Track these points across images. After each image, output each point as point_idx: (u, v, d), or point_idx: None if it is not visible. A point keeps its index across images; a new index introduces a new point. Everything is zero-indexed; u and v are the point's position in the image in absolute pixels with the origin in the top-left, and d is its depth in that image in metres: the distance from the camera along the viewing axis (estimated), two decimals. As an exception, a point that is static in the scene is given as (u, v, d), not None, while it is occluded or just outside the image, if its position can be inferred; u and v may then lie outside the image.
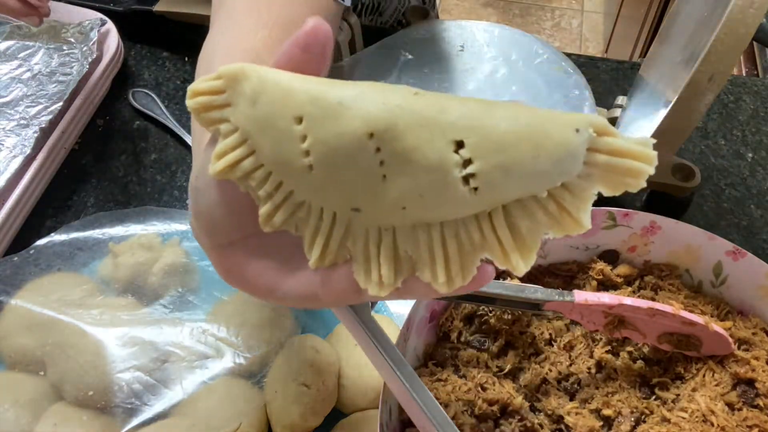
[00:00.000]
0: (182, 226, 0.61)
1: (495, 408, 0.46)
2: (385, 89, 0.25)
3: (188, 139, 0.72)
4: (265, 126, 0.25)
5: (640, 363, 0.49)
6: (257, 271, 0.29)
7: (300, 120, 0.25)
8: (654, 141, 0.23)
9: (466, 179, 0.24)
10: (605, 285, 0.52)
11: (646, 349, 0.49)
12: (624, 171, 0.24)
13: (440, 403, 0.40)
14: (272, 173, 0.26)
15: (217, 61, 0.37)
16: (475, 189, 0.24)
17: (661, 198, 0.64)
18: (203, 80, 0.27)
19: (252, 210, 0.28)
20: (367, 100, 0.24)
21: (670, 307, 0.46)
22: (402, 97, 0.24)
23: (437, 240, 0.25)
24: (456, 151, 0.23)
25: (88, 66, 0.71)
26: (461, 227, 0.25)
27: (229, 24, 0.38)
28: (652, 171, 0.23)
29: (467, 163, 0.23)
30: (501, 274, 0.52)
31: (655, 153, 0.23)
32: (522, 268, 0.25)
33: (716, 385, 0.47)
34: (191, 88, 0.27)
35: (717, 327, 0.46)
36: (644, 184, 0.24)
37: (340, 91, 0.24)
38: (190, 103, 0.27)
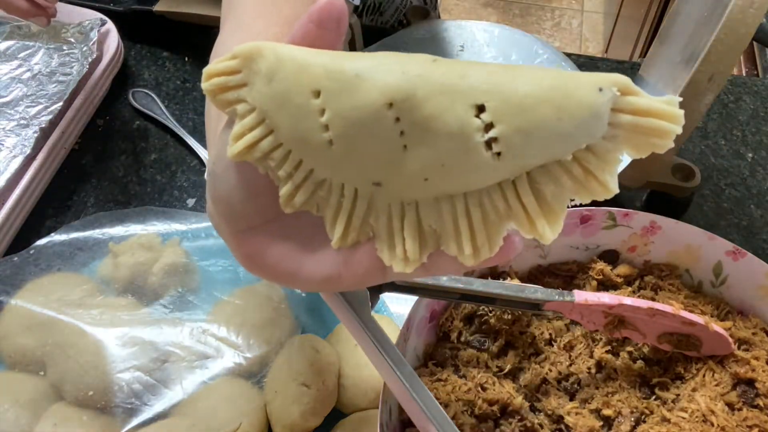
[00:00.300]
0: (182, 226, 0.61)
1: (495, 408, 0.46)
2: (402, 59, 0.24)
3: (188, 139, 0.72)
4: (282, 103, 0.25)
5: (640, 363, 0.49)
6: (278, 256, 0.29)
7: (317, 94, 0.24)
8: (680, 99, 0.23)
9: (488, 144, 0.23)
10: (605, 285, 0.52)
11: (646, 349, 0.49)
12: (650, 131, 0.23)
13: (440, 403, 0.40)
14: (291, 152, 0.26)
15: None
16: (498, 154, 0.23)
17: (661, 198, 0.64)
18: (218, 61, 0.26)
19: (271, 192, 0.27)
20: (385, 71, 0.24)
21: (670, 307, 0.46)
22: (420, 66, 0.24)
23: (461, 211, 0.25)
24: (477, 116, 0.23)
25: (88, 66, 0.71)
26: (485, 196, 0.25)
27: (240, 26, 0.38)
28: (679, 130, 0.23)
29: (489, 127, 0.23)
30: (501, 274, 0.52)
31: (682, 111, 0.23)
32: (549, 234, 0.24)
33: (716, 385, 0.47)
34: (206, 70, 0.26)
35: (717, 327, 0.46)
36: (671, 144, 0.23)
37: (356, 63, 0.24)
38: (205, 85, 0.26)
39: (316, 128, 0.25)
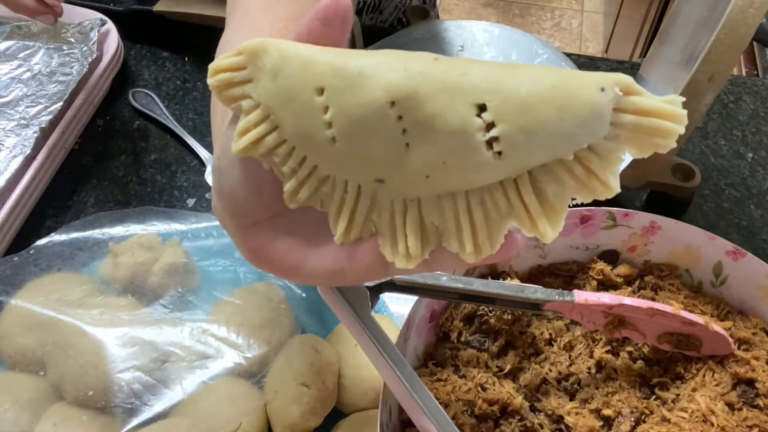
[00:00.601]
0: (182, 226, 0.61)
1: (495, 408, 0.46)
2: (405, 57, 0.24)
3: (188, 139, 0.72)
4: (286, 99, 0.25)
5: (640, 363, 0.48)
6: (283, 251, 0.29)
7: (321, 91, 0.25)
8: (683, 99, 0.23)
9: (489, 143, 0.23)
10: (605, 285, 0.52)
11: (646, 349, 0.49)
12: (652, 131, 0.23)
13: (440, 403, 0.40)
14: (296, 148, 0.26)
15: None
16: (499, 153, 0.23)
17: (661, 198, 0.64)
18: (224, 57, 0.27)
19: (276, 188, 0.28)
20: (388, 69, 0.24)
21: (670, 307, 0.46)
22: (422, 64, 0.24)
23: (463, 208, 0.25)
24: (478, 115, 0.23)
25: (88, 66, 0.71)
26: (487, 194, 0.25)
27: (245, 22, 0.39)
28: (682, 130, 0.23)
29: (490, 126, 0.23)
30: (501, 274, 0.52)
31: (685, 111, 0.23)
32: (550, 234, 0.24)
33: (716, 385, 0.47)
34: (212, 66, 0.27)
35: (717, 327, 0.46)
36: (674, 144, 0.23)
37: (360, 61, 0.24)
38: (211, 81, 0.26)
39: (319, 125, 0.25)
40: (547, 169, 0.24)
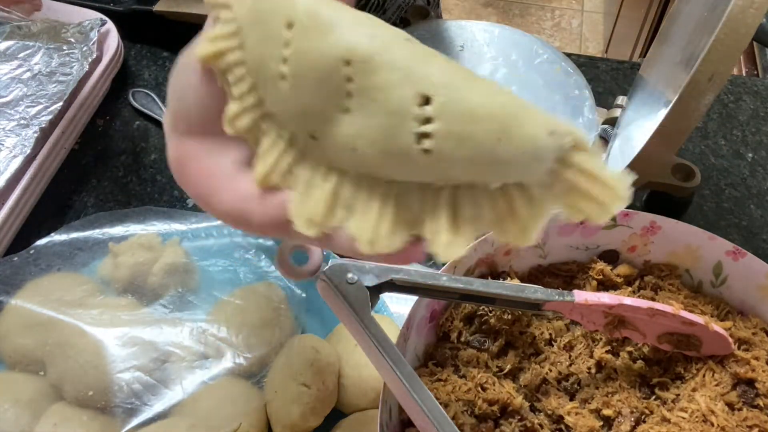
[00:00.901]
0: (182, 226, 0.61)
1: (495, 408, 0.46)
2: (381, 26, 0.24)
3: (188, 139, 0.72)
4: (257, 20, 0.26)
5: (640, 363, 0.48)
6: (203, 172, 0.29)
7: (291, 26, 0.25)
8: (634, 178, 0.21)
9: (420, 137, 0.23)
10: (605, 285, 0.52)
11: (646, 349, 0.49)
12: (588, 197, 0.22)
13: (440, 403, 0.40)
14: (248, 73, 0.26)
15: None
16: (426, 151, 0.23)
17: (661, 198, 0.64)
18: None
19: (221, 109, 0.28)
20: (356, 26, 0.24)
21: (670, 307, 0.46)
22: (393, 38, 0.24)
23: (377, 195, 0.25)
24: (420, 105, 0.23)
25: (88, 66, 0.71)
26: (404, 192, 0.24)
27: None
28: (616, 210, 0.22)
29: (427, 121, 0.23)
30: (501, 274, 0.52)
31: (629, 192, 0.21)
32: (443, 253, 0.23)
33: (716, 385, 0.47)
34: None
35: (717, 327, 0.46)
36: (607, 220, 0.22)
37: (337, 13, 0.24)
38: None
39: (276, 58, 0.25)
40: (471, 191, 0.23)
